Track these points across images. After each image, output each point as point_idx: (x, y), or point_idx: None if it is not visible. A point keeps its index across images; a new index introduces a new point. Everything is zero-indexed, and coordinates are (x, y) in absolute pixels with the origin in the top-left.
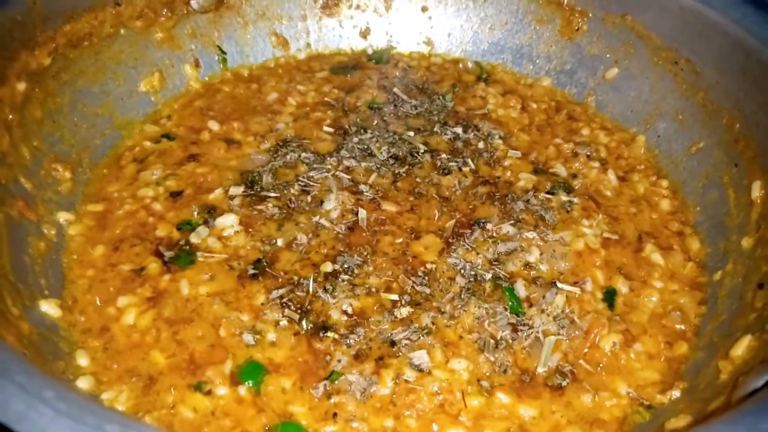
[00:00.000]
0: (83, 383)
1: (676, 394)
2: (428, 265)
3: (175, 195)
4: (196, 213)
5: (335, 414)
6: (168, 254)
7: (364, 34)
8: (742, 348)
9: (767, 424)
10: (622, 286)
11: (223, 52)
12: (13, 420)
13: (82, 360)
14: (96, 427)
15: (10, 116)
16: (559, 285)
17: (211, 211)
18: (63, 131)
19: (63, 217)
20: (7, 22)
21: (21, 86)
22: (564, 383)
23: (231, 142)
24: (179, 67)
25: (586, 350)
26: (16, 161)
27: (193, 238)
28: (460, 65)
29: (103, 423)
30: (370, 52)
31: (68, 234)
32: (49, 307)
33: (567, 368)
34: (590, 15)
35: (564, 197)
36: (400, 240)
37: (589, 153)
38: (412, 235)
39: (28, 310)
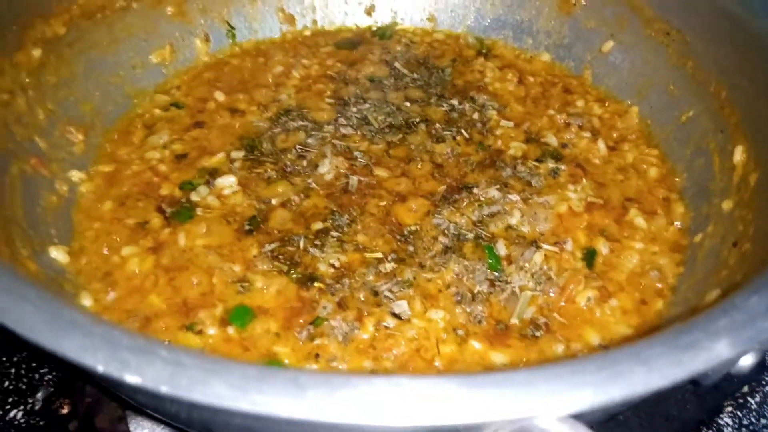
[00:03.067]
0: None
1: None
2: (413, 226)
3: (180, 157)
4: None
5: (317, 355)
6: (169, 210)
7: (369, 11)
8: (710, 300)
9: (685, 339)
10: (602, 247)
11: (232, 27)
12: None
13: (86, 301)
14: (70, 320)
15: (27, 80)
16: (540, 244)
17: (213, 173)
18: (77, 97)
19: (75, 175)
20: None
21: (37, 53)
22: (538, 334)
23: (235, 111)
24: (189, 40)
25: (561, 304)
26: (31, 122)
27: (194, 196)
28: (462, 41)
29: (75, 317)
30: (374, 28)
31: (79, 191)
32: (58, 253)
33: (541, 321)
34: None
35: (552, 164)
36: (389, 202)
37: (581, 123)
38: (401, 198)
39: (37, 254)
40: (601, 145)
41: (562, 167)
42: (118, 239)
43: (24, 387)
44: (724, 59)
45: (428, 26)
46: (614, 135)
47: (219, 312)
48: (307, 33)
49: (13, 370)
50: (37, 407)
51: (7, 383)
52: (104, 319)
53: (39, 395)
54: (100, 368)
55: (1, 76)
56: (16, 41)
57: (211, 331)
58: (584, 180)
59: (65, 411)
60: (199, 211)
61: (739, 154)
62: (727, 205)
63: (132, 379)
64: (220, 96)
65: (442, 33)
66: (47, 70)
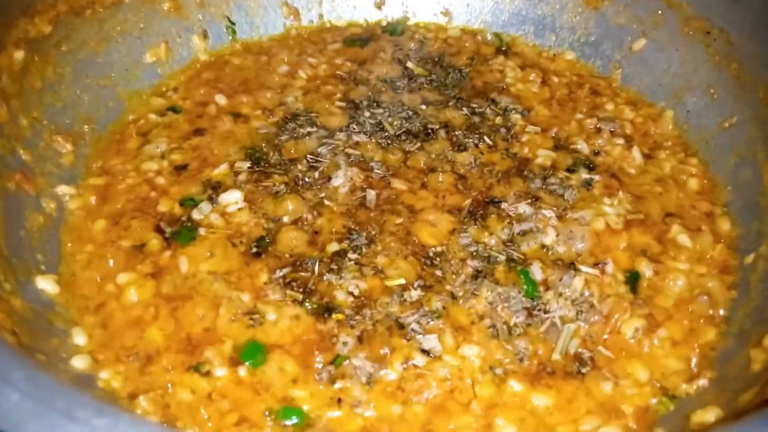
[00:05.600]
0: (79, 362)
1: (703, 383)
2: (439, 247)
3: (180, 169)
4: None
5: (339, 399)
6: (169, 230)
7: (379, 4)
8: None
9: None
10: (645, 269)
11: (232, 23)
12: None
13: (79, 338)
14: (65, 412)
15: (8, 85)
16: (579, 267)
17: (216, 187)
18: (65, 102)
19: (63, 190)
20: None
21: (19, 54)
22: (583, 371)
23: (238, 116)
24: (187, 37)
25: (606, 336)
26: (13, 132)
27: (196, 214)
28: (479, 37)
29: (73, 407)
30: (384, 23)
31: (68, 208)
32: (46, 284)
33: (586, 355)
34: None
35: (585, 175)
36: (410, 219)
37: (613, 129)
38: (423, 214)
39: (22, 286)
40: (636, 153)
41: (596, 178)
42: (112, 264)
43: None
44: None
45: (442, 21)
46: (649, 141)
47: (228, 349)
48: (313, 28)
49: None
50: None
51: None
52: (107, 406)
53: None
54: None
55: None
56: None
57: (220, 372)
58: (621, 193)
59: None
60: (201, 231)
61: None
62: None
63: None
64: (221, 99)
65: (457, 29)
66: (31, 73)
